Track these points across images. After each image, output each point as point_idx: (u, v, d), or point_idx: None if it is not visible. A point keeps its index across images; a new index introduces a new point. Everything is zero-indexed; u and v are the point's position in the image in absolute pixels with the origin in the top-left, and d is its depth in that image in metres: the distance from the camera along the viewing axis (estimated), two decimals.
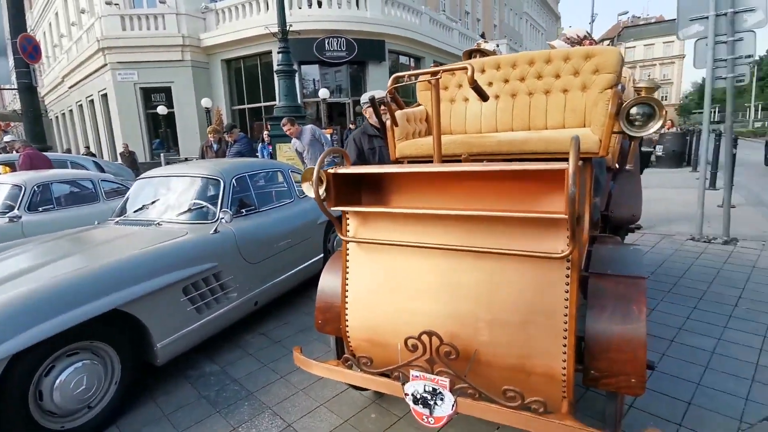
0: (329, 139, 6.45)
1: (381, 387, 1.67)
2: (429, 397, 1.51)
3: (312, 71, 15.63)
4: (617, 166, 2.73)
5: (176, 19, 15.27)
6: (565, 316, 1.39)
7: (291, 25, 6.81)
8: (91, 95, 18.06)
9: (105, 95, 16.60)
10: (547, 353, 1.42)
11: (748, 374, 2.33)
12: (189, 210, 3.06)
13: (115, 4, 15.05)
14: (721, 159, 6.13)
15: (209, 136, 6.24)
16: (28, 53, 8.95)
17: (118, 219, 3.22)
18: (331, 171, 1.65)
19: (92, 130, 19.38)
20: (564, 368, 1.40)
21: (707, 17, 4.23)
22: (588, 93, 2.14)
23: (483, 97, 1.75)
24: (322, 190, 1.65)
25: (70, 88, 20.53)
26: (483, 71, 2.40)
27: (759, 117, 43.78)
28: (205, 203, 3.06)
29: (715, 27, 4.22)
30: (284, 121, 5.53)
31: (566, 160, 1.87)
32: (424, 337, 1.49)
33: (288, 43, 6.46)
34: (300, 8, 14.58)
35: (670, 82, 71.20)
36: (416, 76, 1.86)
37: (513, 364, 1.48)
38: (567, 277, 1.39)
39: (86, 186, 4.82)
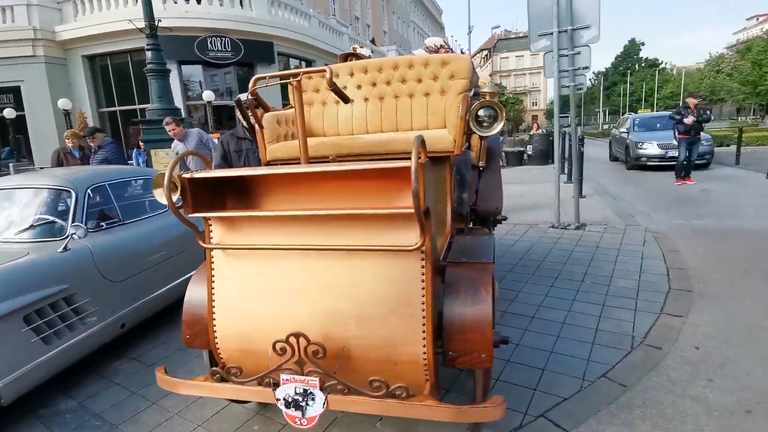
0: (217, 143, 6.04)
1: (253, 396, 1.62)
2: (300, 399, 1.50)
3: (196, 72, 14.62)
4: (482, 164, 3.01)
5: (27, 9, 13.16)
6: (423, 304, 1.49)
7: (160, 20, 6.27)
8: None
9: None
10: (409, 341, 1.50)
11: (590, 339, 2.72)
12: (32, 227, 2.66)
13: None
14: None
15: (66, 141, 5.38)
16: None
17: None
18: (186, 176, 1.56)
19: None
20: (425, 353, 1.50)
21: (552, 33, 4.86)
22: (446, 96, 2.32)
23: (344, 99, 1.79)
24: (177, 197, 1.55)
25: None
26: (352, 74, 2.47)
27: (606, 120, 51.38)
28: (52, 218, 2.69)
29: (558, 42, 4.86)
30: (168, 120, 4.99)
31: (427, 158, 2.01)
32: (292, 339, 1.48)
33: (158, 40, 5.92)
34: (176, 3, 13.53)
35: (538, 90, 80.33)
36: (279, 77, 1.84)
37: (380, 356, 1.54)
38: (422, 267, 1.49)
39: None
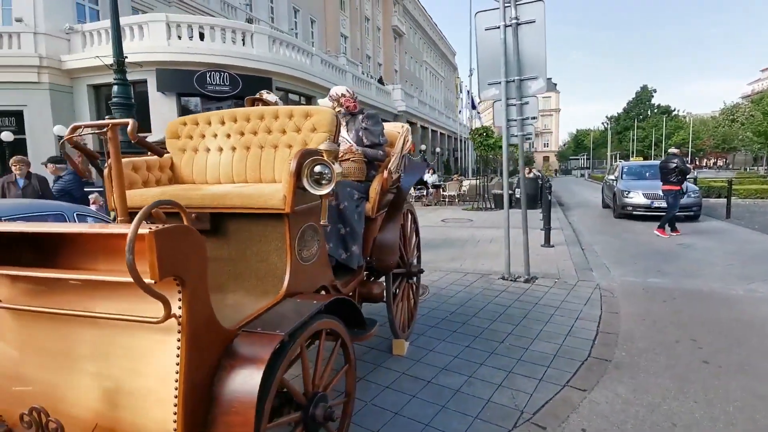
0: None
1: None
2: None
3: (194, 102, 15.05)
4: (374, 215, 2.90)
5: (34, 38, 13.85)
6: (176, 381, 1.34)
7: (127, 56, 6.45)
8: None
9: None
10: (158, 423, 1.35)
11: (475, 412, 2.50)
12: None
13: None
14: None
15: (13, 168, 5.14)
16: None
17: None
18: None
19: None
20: None
21: (500, 82, 4.84)
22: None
23: (156, 152, 1.72)
24: None
25: None
26: (223, 122, 2.42)
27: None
28: None
29: (506, 92, 4.83)
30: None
31: (264, 216, 1.89)
32: (34, 413, 1.35)
33: (125, 75, 6.05)
34: (180, 38, 14.11)
35: (550, 132, 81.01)
36: (95, 126, 1.78)
37: None
38: (178, 341, 1.35)
39: None
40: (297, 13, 28.36)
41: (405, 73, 44.05)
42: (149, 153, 2.39)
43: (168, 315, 1.29)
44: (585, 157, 68.93)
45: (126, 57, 6.03)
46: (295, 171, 1.84)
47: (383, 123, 3.52)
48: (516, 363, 3.07)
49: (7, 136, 12.18)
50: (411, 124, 31.33)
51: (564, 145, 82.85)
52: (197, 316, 1.40)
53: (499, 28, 4.75)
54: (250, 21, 19.79)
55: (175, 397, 1.34)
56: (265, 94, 3.16)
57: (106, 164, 2.10)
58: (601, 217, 11.63)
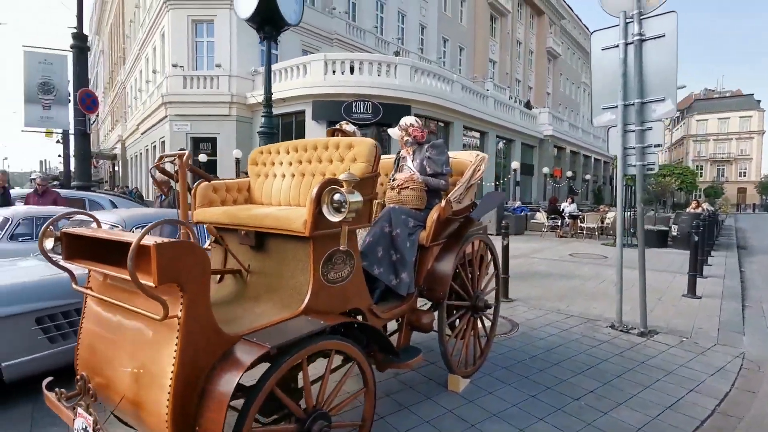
0: None
1: (69, 421, 1.92)
2: None
3: None
4: (429, 244, 2.89)
5: (228, 80, 17.29)
6: (172, 373, 1.60)
7: (273, 95, 7.63)
8: (155, 141, 20.48)
9: (163, 142, 18.76)
10: (155, 412, 1.61)
11: None
12: None
13: (180, 67, 17.39)
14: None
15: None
16: (86, 105, 10.62)
17: None
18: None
19: None
20: (167, 423, 1.59)
21: (617, 106, 4.31)
22: None
23: (206, 178, 2.08)
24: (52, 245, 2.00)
25: (142, 134, 23.41)
26: (288, 152, 2.75)
27: None
28: None
29: (624, 116, 4.28)
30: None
31: (295, 237, 2.10)
32: (78, 378, 1.77)
33: (272, 110, 7.23)
34: (334, 73, 15.95)
35: (749, 158, 66.62)
36: (171, 156, 2.22)
37: (142, 409, 1.68)
38: (176, 339, 1.61)
39: None
40: (446, 43, 29.34)
41: (559, 96, 41.49)
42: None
43: (166, 314, 1.56)
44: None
45: (272, 95, 7.11)
46: (315, 198, 2.01)
47: (456, 152, 3.51)
48: (584, 427, 2.66)
49: (203, 158, 15.31)
50: (559, 149, 29.24)
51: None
52: (195, 319, 1.65)
53: (618, 46, 4.27)
54: (397, 53, 21.22)
55: (169, 389, 1.60)
56: (345, 125, 3.43)
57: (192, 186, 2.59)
58: None
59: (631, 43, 4.18)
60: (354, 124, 13.45)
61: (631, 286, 6.20)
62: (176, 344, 1.61)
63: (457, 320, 3.28)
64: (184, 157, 1.99)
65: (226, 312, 2.08)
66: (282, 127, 17.60)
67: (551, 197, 17.80)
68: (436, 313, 2.95)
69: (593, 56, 4.52)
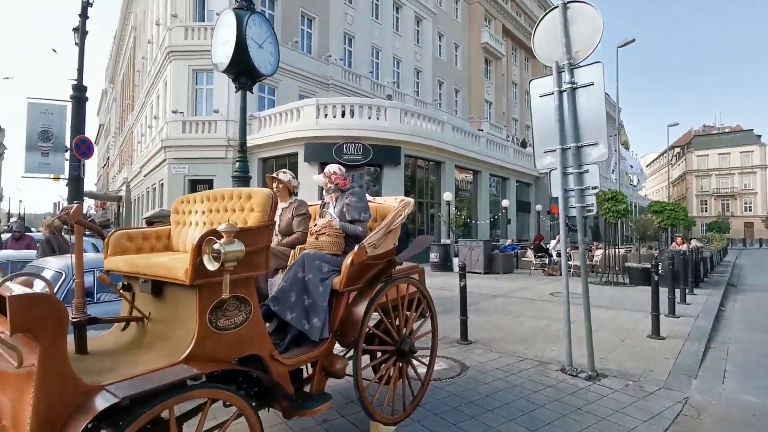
0: None
1: None
2: None
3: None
4: (342, 289, 2.95)
5: (226, 124, 17.92)
6: (29, 424, 1.65)
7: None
8: (155, 184, 21.03)
9: (162, 184, 19.26)
10: None
11: None
12: None
13: (180, 112, 18.11)
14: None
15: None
16: (81, 151, 11.06)
17: None
18: None
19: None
20: None
21: (555, 150, 4.45)
22: None
23: (98, 233, 2.19)
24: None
25: (144, 176, 24.07)
26: (203, 201, 2.88)
27: None
28: None
29: (562, 159, 4.41)
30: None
31: (182, 285, 2.18)
32: None
33: (246, 154, 7.51)
34: (326, 117, 16.50)
35: (753, 192, 66.30)
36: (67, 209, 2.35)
37: None
38: (32, 388, 1.68)
39: None
40: (441, 85, 30.29)
41: None
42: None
43: (20, 363, 1.63)
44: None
45: (245, 141, 7.40)
46: (195, 248, 2.11)
47: (384, 197, 3.63)
48: None
49: None
50: None
51: None
52: (50, 369, 1.71)
53: (552, 93, 4.46)
54: (389, 97, 21.92)
55: None
56: (281, 174, 3.57)
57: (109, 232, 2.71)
58: None
59: (565, 90, 4.37)
60: (344, 165, 14.00)
61: (599, 327, 6.13)
62: (32, 393, 1.67)
63: (381, 365, 3.28)
64: (71, 211, 2.11)
65: (110, 360, 2.14)
66: (276, 168, 18.05)
67: (536, 234, 17.78)
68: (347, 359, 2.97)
69: (533, 103, 4.71)
